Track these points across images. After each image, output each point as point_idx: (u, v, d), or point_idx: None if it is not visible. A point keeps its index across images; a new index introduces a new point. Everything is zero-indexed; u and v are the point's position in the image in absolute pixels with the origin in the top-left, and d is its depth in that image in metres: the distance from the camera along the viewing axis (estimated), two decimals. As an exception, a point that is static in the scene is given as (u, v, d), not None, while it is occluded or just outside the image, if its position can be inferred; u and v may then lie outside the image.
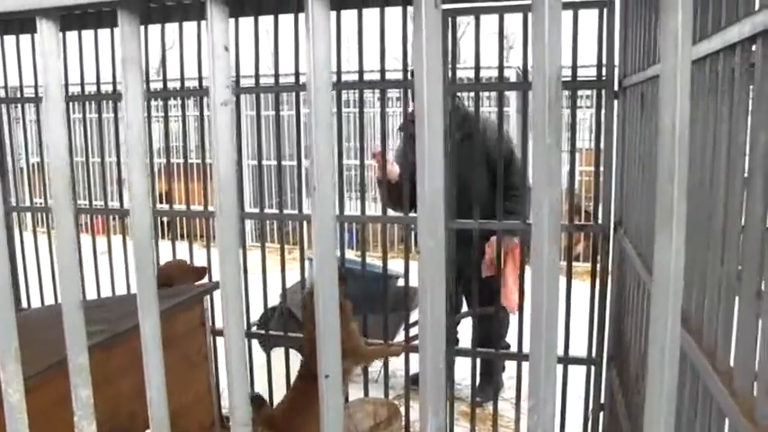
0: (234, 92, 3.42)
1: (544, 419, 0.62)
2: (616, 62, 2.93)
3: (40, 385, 1.58)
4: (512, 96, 7.56)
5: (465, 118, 3.58)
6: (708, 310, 1.37)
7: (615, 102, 2.95)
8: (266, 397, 3.63)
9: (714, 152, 1.32)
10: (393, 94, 9.18)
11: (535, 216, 0.59)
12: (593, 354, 3.21)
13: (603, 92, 2.96)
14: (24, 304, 4.30)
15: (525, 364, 3.28)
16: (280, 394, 3.63)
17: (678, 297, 0.59)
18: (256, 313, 3.92)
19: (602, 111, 2.99)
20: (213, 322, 3.30)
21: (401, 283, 3.77)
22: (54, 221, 0.78)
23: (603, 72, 2.95)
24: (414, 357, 3.52)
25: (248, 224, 8.81)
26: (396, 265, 4.36)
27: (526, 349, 3.21)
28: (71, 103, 4.04)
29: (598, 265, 3.13)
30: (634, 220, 2.57)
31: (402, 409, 3.46)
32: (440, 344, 0.62)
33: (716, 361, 1.28)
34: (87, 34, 3.65)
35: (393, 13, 3.12)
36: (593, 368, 3.23)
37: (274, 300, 3.90)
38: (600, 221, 3.09)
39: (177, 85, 3.63)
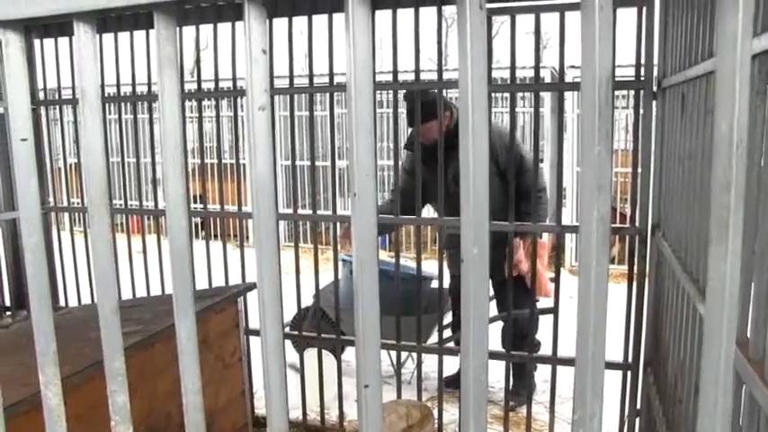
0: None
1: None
2: (655, 62, 2.87)
3: (81, 383, 1.60)
4: (546, 97, 7.47)
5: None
6: (754, 317, 1.32)
7: (654, 102, 2.90)
8: (299, 394, 3.64)
9: (762, 154, 1.28)
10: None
11: (583, 225, 0.57)
12: (630, 358, 3.15)
13: (642, 92, 2.91)
14: (62, 303, 4.37)
15: (560, 368, 3.25)
16: (312, 394, 3.64)
17: (734, 311, 0.56)
18: (289, 314, 3.93)
19: (641, 111, 2.94)
20: (247, 323, 3.32)
21: (435, 284, 3.74)
22: (90, 226, 0.78)
23: (642, 72, 2.89)
24: (447, 359, 3.49)
25: (282, 224, 8.86)
26: (429, 267, 4.34)
27: (561, 352, 3.20)
28: (107, 105, 4.08)
29: (635, 269, 3.07)
30: (674, 223, 2.51)
31: (435, 412, 3.44)
32: (483, 354, 0.60)
33: (764, 371, 1.24)
34: (123, 36, 3.69)
35: (427, 13, 3.10)
36: (629, 373, 3.18)
37: (307, 300, 3.91)
38: (637, 224, 3.03)
39: (211, 86, 3.65)
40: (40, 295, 0.83)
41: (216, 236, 6.28)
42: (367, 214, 0.61)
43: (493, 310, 4.06)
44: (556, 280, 3.26)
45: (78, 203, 4.32)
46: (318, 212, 3.52)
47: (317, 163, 3.47)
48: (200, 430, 0.79)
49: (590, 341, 0.58)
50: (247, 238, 4.26)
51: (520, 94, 9.03)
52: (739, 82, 0.53)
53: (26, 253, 0.81)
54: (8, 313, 4.91)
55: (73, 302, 4.29)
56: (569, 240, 7.52)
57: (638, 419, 3.21)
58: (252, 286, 2.61)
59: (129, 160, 5.32)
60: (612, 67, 0.56)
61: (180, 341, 0.79)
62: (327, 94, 3.42)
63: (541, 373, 4.20)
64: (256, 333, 3.62)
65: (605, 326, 0.59)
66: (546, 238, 3.75)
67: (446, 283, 3.60)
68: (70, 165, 5.92)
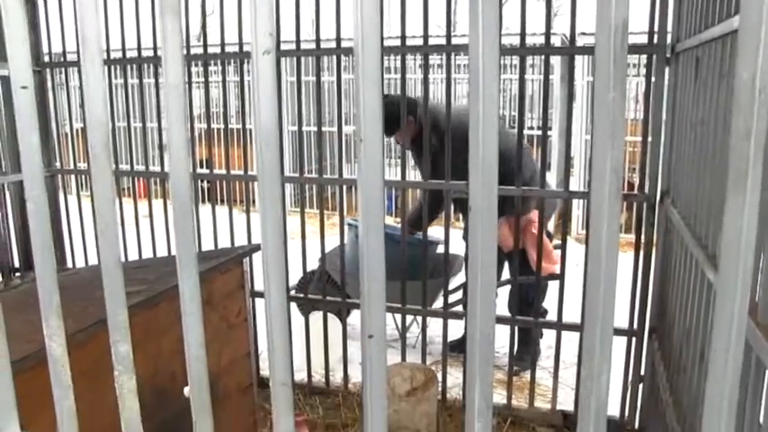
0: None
1: (598, 389, 0.59)
2: (669, 27, 2.82)
3: (86, 340, 1.60)
4: (556, 64, 7.38)
5: (435, 123, 3.51)
6: (764, 281, 1.31)
7: (666, 68, 2.85)
8: (304, 357, 3.66)
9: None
10: (435, 60, 9.05)
11: (595, 176, 0.55)
12: (635, 325, 3.16)
13: (655, 57, 2.86)
14: (69, 264, 4.39)
15: (565, 334, 3.26)
16: (317, 357, 3.66)
17: (749, 265, 0.55)
18: (295, 278, 3.94)
19: (652, 78, 2.90)
20: (253, 285, 3.33)
21: (441, 249, 3.73)
22: (92, 176, 0.76)
23: (655, 38, 2.84)
24: (452, 324, 3.50)
25: (288, 189, 8.85)
26: (435, 232, 4.33)
27: (566, 318, 3.20)
28: (112, 68, 4.03)
29: (642, 237, 3.06)
30: (684, 190, 2.49)
31: (439, 375, 3.46)
32: (490, 306, 0.59)
33: (772, 335, 1.23)
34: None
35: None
36: (633, 339, 3.18)
37: (313, 265, 3.92)
38: (646, 191, 3.01)
39: (218, 51, 3.61)
40: (43, 247, 0.82)
41: (222, 201, 6.28)
42: (373, 161, 0.59)
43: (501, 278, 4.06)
44: (562, 247, 3.25)
45: (85, 167, 4.31)
46: (325, 176, 3.50)
47: (323, 128, 3.43)
48: (204, 384, 0.78)
49: (600, 295, 0.57)
50: (253, 202, 4.25)
51: (529, 62, 8.94)
52: (765, 31, 0.51)
53: (28, 204, 0.80)
54: (17, 274, 4.94)
55: (80, 265, 4.31)
56: (576, 208, 7.51)
57: (641, 386, 3.22)
58: (257, 247, 2.59)
59: (135, 125, 5.30)
60: (628, 14, 0.54)
61: (183, 301, 0.78)
62: (335, 60, 3.38)
63: (546, 339, 4.22)
64: (262, 295, 3.62)
65: (615, 280, 0.57)
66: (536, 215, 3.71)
67: (453, 249, 3.60)
68: (77, 130, 5.92)
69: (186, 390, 0.75)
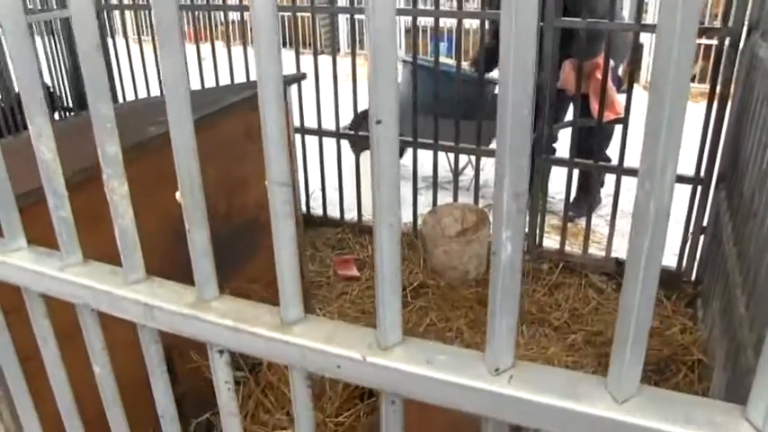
0: None
1: (661, 189, 0.46)
2: None
3: (90, 179, 1.52)
4: None
5: None
6: None
7: None
8: (354, 196, 3.62)
9: None
10: None
11: None
12: (702, 173, 2.97)
13: None
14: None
15: (625, 179, 3.10)
16: (368, 197, 3.62)
17: None
18: (347, 120, 3.83)
19: None
20: (302, 121, 3.23)
21: (498, 90, 3.54)
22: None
23: None
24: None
25: (342, 27, 8.60)
26: (494, 73, 4.10)
27: (628, 162, 3.02)
28: None
29: (719, 78, 2.80)
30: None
31: (491, 216, 3.37)
32: (527, 74, 0.46)
33: None
34: None
35: None
36: (698, 189, 3.00)
37: (366, 106, 3.80)
38: (730, 24, 2.72)
39: None
40: (16, 23, 0.71)
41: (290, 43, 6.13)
42: None
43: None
44: (628, 92, 3.03)
45: (131, 2, 4.20)
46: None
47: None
48: (195, 183, 0.69)
49: (670, 70, 0.43)
50: (305, 43, 4.06)
51: None
52: None
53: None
54: (72, 114, 4.99)
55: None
56: (647, 54, 7.05)
57: (702, 237, 3.08)
58: (301, 76, 2.43)
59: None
60: None
61: (165, 71, 0.68)
62: None
63: (605, 188, 4.06)
64: (307, 132, 3.56)
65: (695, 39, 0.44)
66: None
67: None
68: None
69: (178, 194, 0.66)
